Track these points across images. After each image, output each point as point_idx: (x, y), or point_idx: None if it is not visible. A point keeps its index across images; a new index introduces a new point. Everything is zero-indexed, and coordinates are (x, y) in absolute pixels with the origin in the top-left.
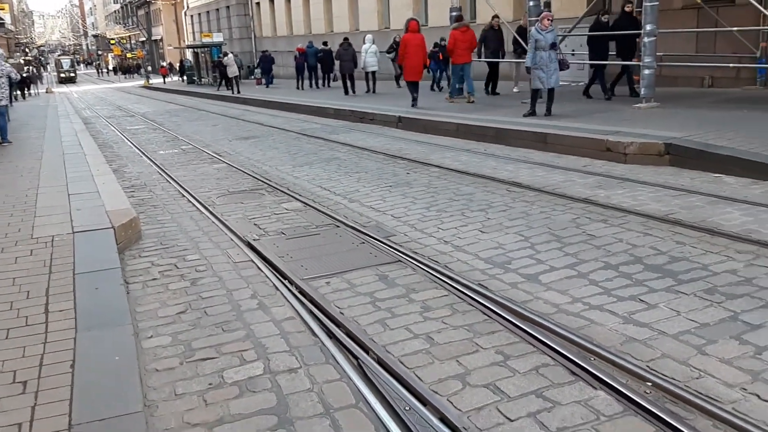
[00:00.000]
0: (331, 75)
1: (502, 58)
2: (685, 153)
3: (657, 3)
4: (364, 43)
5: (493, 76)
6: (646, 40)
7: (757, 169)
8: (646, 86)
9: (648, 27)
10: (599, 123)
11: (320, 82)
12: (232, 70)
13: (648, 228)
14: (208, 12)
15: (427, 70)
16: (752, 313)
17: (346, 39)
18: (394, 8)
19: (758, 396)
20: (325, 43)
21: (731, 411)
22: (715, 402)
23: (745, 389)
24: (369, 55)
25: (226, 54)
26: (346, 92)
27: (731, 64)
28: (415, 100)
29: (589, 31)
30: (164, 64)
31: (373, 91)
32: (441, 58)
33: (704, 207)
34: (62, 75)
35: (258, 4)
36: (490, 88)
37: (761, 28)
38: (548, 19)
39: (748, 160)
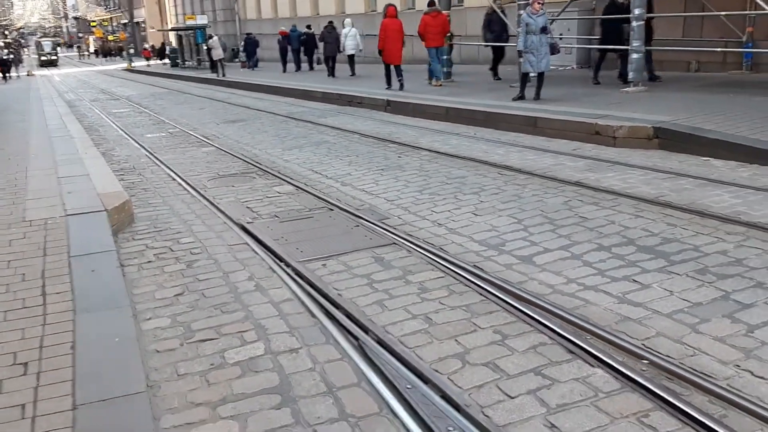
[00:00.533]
0: (314, 58)
1: (506, 41)
2: (674, 136)
3: None
4: (343, 27)
5: (496, 61)
6: (634, 24)
7: (744, 152)
8: (634, 70)
9: (636, 11)
10: (588, 107)
11: (305, 65)
12: (217, 53)
13: (639, 210)
14: None
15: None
16: (743, 292)
17: (330, 23)
18: None
19: (751, 372)
20: (308, 27)
21: (726, 387)
22: (709, 378)
23: (738, 366)
24: (349, 39)
25: (211, 36)
26: (330, 74)
27: (718, 49)
28: (400, 82)
29: (604, 13)
30: (147, 46)
31: (353, 74)
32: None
33: (693, 189)
34: (43, 58)
35: None
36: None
37: (748, 12)
38: (539, 3)
39: (736, 143)
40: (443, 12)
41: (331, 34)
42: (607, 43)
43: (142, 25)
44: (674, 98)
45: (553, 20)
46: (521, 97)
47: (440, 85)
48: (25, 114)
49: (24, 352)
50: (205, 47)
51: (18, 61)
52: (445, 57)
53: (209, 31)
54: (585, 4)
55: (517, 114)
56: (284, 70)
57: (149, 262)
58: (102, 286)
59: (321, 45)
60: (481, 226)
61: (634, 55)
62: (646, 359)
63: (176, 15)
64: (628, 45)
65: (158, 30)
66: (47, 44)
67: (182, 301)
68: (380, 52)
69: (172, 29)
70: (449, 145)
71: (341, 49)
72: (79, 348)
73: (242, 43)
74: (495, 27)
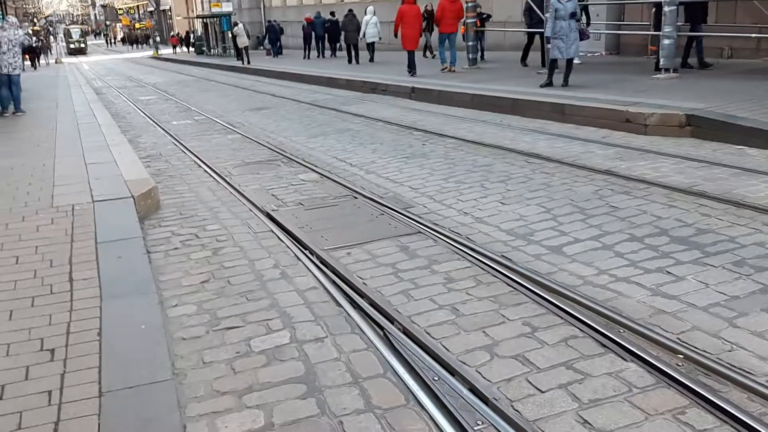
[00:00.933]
0: (338, 45)
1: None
2: (707, 124)
3: None
4: (365, 14)
5: (527, 48)
6: (666, 9)
7: None
8: (665, 56)
9: None
10: (617, 93)
11: (327, 52)
12: (242, 41)
13: (672, 200)
14: None
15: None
16: None
17: (350, 11)
18: None
19: None
20: (332, 14)
21: (765, 383)
22: (748, 375)
23: None
24: (369, 27)
25: (236, 24)
26: (350, 61)
27: (752, 35)
28: (413, 68)
29: None
30: (174, 33)
31: (371, 60)
32: (478, 25)
33: (728, 179)
34: (72, 46)
35: None
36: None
37: None
38: None
39: None
40: None
41: (352, 22)
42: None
43: (169, 13)
44: (706, 85)
45: (585, 6)
46: (549, 84)
47: (453, 71)
48: (53, 101)
49: (51, 338)
50: (230, 35)
51: (47, 48)
52: (470, 43)
53: (234, 18)
54: None
55: (544, 101)
56: (306, 56)
57: (175, 249)
58: (128, 273)
59: (343, 33)
60: (508, 215)
61: (666, 41)
62: (682, 354)
63: (202, 2)
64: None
65: (184, 17)
66: (76, 31)
67: (208, 289)
68: (395, 36)
69: (198, 16)
70: (474, 132)
71: (362, 36)
72: (105, 335)
73: (265, 30)
74: (535, 14)
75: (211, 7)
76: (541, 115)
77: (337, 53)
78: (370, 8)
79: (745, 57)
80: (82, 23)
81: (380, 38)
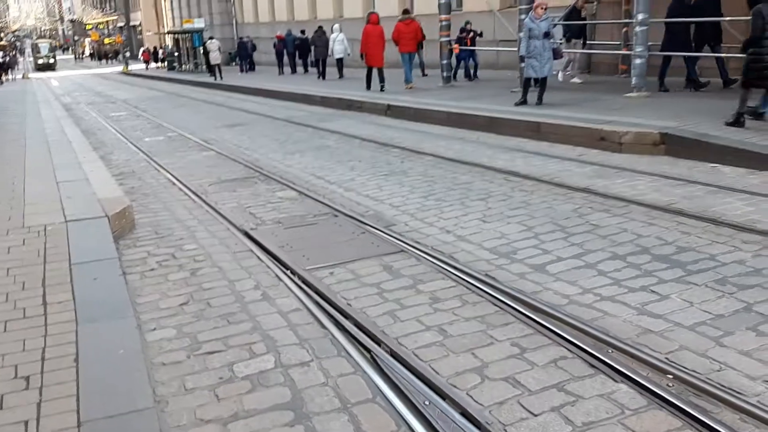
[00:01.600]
0: (309, 61)
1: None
2: (681, 143)
3: None
4: (332, 32)
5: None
6: (638, 29)
7: (753, 159)
8: (637, 75)
9: (640, 16)
10: (591, 112)
11: (300, 68)
12: (215, 56)
13: (651, 218)
14: None
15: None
16: (766, 304)
17: (320, 27)
18: None
19: None
20: (302, 32)
21: (757, 404)
22: (739, 395)
23: (767, 381)
24: (336, 43)
25: (211, 38)
26: (320, 76)
27: (722, 54)
28: (381, 85)
29: (669, 14)
30: (145, 48)
31: (340, 76)
32: (468, 44)
33: (705, 197)
34: (40, 61)
35: None
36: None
37: (749, 18)
38: (542, 8)
39: (744, 150)
40: (415, 20)
41: (321, 39)
42: (674, 46)
43: (138, 28)
44: (677, 104)
45: (557, 24)
46: (524, 102)
47: (411, 87)
48: (21, 117)
49: (26, 365)
50: (203, 50)
51: (14, 63)
52: (444, 62)
53: (207, 33)
54: (588, 9)
55: (520, 119)
56: (280, 73)
57: (152, 270)
58: (105, 295)
59: (313, 49)
60: (490, 233)
61: (638, 60)
62: (671, 374)
63: (173, 18)
64: (695, 48)
65: (154, 33)
66: (44, 46)
67: (187, 311)
68: (362, 56)
69: (170, 32)
70: (453, 150)
71: (330, 52)
72: (82, 361)
73: (237, 47)
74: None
75: (183, 23)
76: (517, 133)
77: (309, 69)
78: (336, 26)
79: (714, 76)
80: (49, 38)
81: (348, 54)
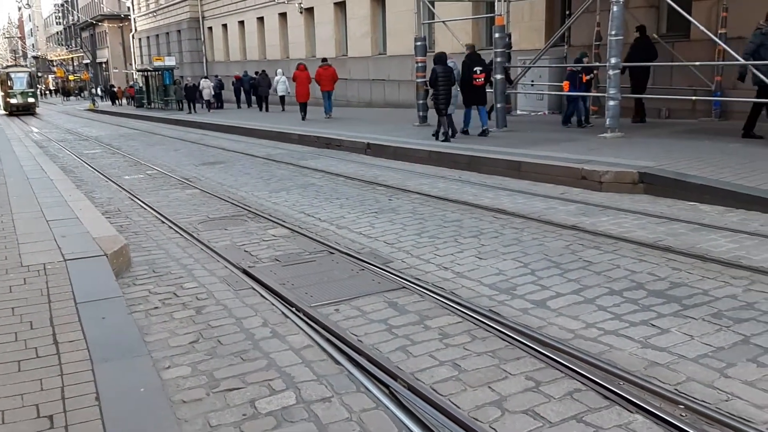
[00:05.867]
0: (264, 97)
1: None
2: (660, 182)
3: (622, 38)
4: (275, 75)
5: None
6: (611, 72)
7: (730, 197)
8: (611, 116)
9: (613, 60)
10: (569, 152)
11: (255, 105)
12: (207, 93)
13: (641, 254)
14: (157, 35)
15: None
16: (762, 336)
17: (263, 71)
18: (352, 36)
19: None
20: (256, 72)
21: (766, 431)
22: (749, 423)
23: None
24: (279, 84)
25: (205, 77)
26: (261, 109)
27: (688, 97)
28: (302, 114)
29: (632, 52)
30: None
31: (283, 110)
32: (584, 81)
33: (689, 234)
34: (13, 101)
35: (210, 29)
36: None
37: (716, 63)
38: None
39: (722, 189)
40: (332, 66)
41: (264, 80)
42: (639, 85)
43: (104, 66)
44: (651, 144)
45: (529, 67)
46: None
47: (330, 117)
48: None
49: (47, 404)
50: (182, 87)
51: None
52: (420, 102)
53: (177, 72)
54: (557, 53)
55: (499, 158)
56: (238, 107)
57: (156, 308)
58: (115, 334)
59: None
60: (487, 269)
61: (611, 102)
62: (683, 404)
63: (141, 56)
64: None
65: (122, 71)
66: (20, 78)
67: (199, 349)
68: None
69: (139, 70)
70: (437, 188)
71: (273, 91)
72: (104, 399)
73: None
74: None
75: (153, 60)
76: (497, 171)
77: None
78: (279, 70)
79: (682, 117)
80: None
81: (288, 92)
